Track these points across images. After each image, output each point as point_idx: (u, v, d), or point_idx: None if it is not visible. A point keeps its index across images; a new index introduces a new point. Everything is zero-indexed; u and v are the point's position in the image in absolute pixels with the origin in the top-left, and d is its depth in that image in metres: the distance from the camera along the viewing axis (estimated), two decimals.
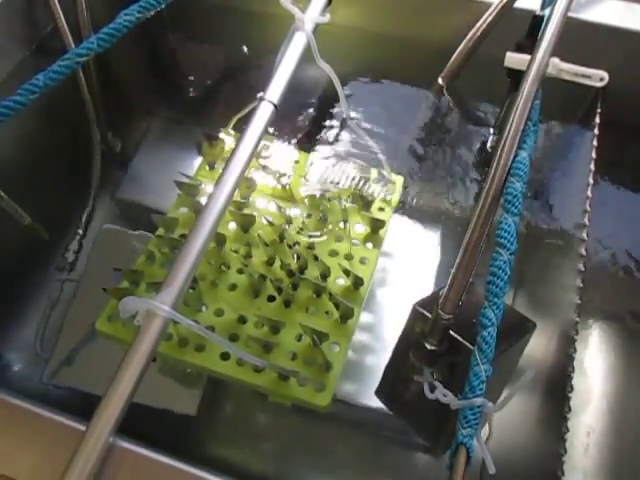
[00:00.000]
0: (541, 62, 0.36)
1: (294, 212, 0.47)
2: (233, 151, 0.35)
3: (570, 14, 0.45)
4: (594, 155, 0.43)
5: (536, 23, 0.38)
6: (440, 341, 0.37)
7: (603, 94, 0.48)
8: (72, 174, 0.53)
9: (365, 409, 0.45)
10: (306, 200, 0.47)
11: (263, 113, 0.37)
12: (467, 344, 0.38)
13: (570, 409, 0.37)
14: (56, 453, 0.27)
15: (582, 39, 0.46)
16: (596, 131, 0.45)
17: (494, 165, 0.35)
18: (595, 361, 0.51)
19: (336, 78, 0.43)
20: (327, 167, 0.49)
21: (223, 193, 0.33)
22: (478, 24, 0.44)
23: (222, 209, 0.33)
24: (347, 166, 0.48)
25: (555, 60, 0.36)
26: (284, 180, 0.48)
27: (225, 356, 0.39)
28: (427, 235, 0.51)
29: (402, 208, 0.50)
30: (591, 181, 0.41)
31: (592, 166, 0.42)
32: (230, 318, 0.41)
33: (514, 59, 0.39)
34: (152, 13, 0.42)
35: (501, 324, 0.42)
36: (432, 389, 0.36)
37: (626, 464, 0.46)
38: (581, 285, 0.38)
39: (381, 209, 0.47)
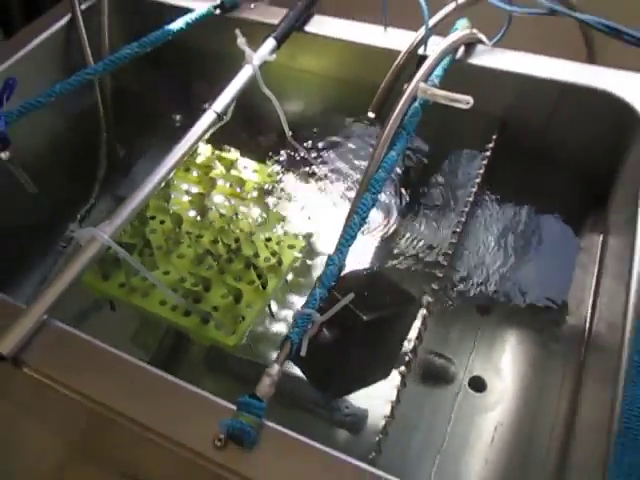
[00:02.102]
0: (413, 87, 0.47)
1: (243, 208, 0.59)
2: (177, 142, 0.47)
3: (472, 62, 0.57)
4: (480, 177, 0.52)
5: (420, 61, 0.50)
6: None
7: (500, 125, 0.58)
8: (83, 172, 0.67)
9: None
10: (255, 198, 0.59)
11: (206, 118, 0.49)
12: (353, 307, 0.47)
13: (405, 385, 0.44)
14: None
15: (481, 82, 0.56)
16: (488, 153, 0.55)
17: (370, 160, 0.46)
18: (510, 367, 0.57)
19: (277, 103, 0.55)
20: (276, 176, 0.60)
21: (162, 170, 0.46)
22: (393, 67, 0.55)
23: (159, 181, 0.45)
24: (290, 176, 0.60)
25: (423, 85, 0.46)
26: (240, 184, 0.60)
27: (163, 303, 0.50)
28: (367, 233, 0.61)
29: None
30: (471, 198, 0.51)
31: (475, 186, 0.51)
32: (174, 277, 0.52)
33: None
34: (148, 50, 0.57)
35: (387, 296, 0.51)
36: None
37: (520, 454, 0.52)
38: (436, 287, 0.46)
39: None
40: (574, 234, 0.62)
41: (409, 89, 0.47)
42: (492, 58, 0.57)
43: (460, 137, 0.60)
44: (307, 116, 0.66)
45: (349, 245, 0.40)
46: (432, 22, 0.53)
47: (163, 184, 0.46)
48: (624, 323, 0.37)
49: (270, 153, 0.63)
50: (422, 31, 0.55)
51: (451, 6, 0.54)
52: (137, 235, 0.54)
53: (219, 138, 0.61)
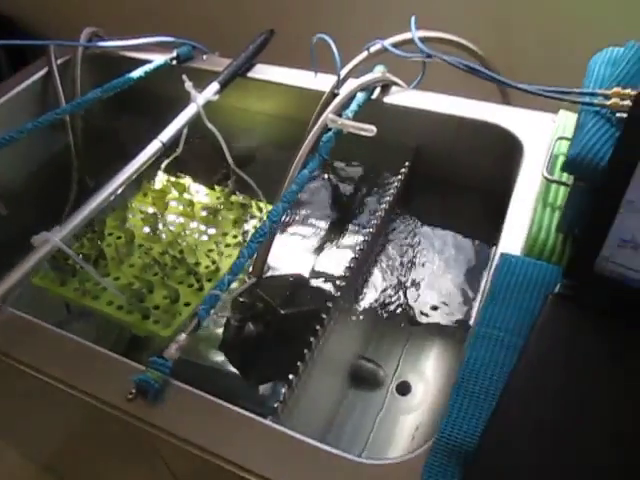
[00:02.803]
0: (323, 118, 0.56)
1: (192, 225, 0.67)
2: (125, 164, 0.56)
3: (387, 100, 0.67)
4: (391, 197, 0.61)
5: (333, 97, 0.60)
6: (248, 295, 0.54)
7: (414, 153, 0.67)
8: (57, 201, 0.76)
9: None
10: (203, 217, 0.67)
11: (152, 147, 0.58)
12: (269, 299, 0.54)
13: (307, 364, 0.51)
14: None
15: (397, 117, 0.66)
16: (400, 177, 0.64)
17: (286, 177, 0.54)
18: (433, 372, 0.64)
19: (220, 136, 0.65)
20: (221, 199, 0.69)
21: (111, 186, 0.54)
22: (319, 104, 0.65)
23: (107, 195, 0.54)
24: (236, 199, 0.69)
25: (331, 116, 0.56)
26: (191, 205, 0.68)
27: (110, 303, 0.57)
28: (298, 244, 0.70)
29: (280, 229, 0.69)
30: (382, 214, 0.59)
31: (386, 205, 0.60)
32: (123, 282, 0.59)
33: None
34: (110, 94, 0.67)
35: (307, 296, 0.58)
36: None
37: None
38: (338, 294, 0.54)
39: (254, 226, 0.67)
40: (487, 248, 0.70)
41: (320, 120, 0.56)
42: (404, 97, 0.67)
43: (382, 165, 0.70)
44: (251, 148, 0.76)
45: (258, 242, 0.48)
46: (347, 69, 0.64)
47: (112, 197, 0.54)
48: (477, 308, 0.45)
49: (218, 179, 0.72)
50: (341, 75, 0.65)
51: (363, 55, 0.64)
52: (94, 248, 0.62)
53: (176, 167, 0.71)
